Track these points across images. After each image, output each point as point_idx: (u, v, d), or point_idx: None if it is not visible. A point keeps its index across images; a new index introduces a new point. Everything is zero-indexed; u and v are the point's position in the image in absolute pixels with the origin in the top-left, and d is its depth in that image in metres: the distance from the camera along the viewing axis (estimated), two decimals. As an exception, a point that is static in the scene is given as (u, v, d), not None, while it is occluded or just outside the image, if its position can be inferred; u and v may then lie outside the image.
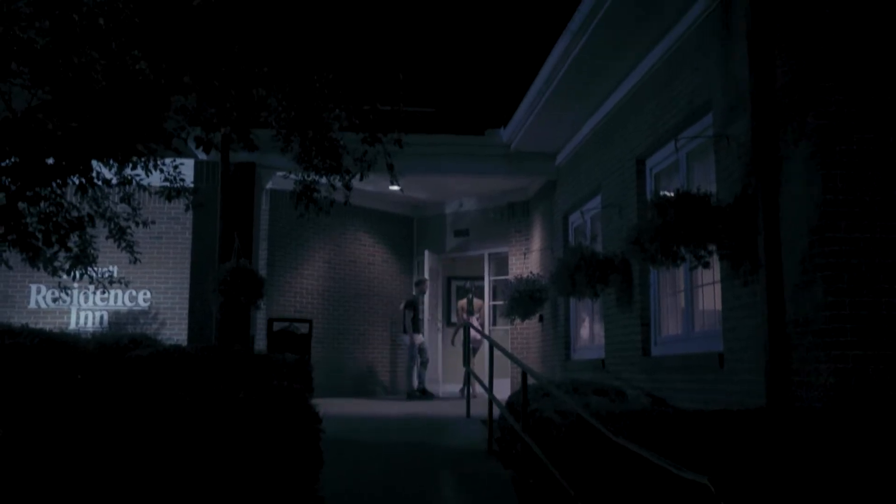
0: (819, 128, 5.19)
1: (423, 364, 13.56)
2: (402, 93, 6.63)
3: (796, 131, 5.37)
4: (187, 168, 9.99)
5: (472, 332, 12.37)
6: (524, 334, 13.03)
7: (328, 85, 6.18)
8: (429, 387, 13.67)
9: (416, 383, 13.37)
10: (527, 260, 13.00)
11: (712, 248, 6.05)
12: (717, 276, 6.51)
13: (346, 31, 6.88)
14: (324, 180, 6.86)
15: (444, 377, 14.82)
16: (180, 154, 6.83)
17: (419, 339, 13.54)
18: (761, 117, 5.64)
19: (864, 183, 5.17)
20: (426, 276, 14.37)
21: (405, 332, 13.57)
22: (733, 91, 6.16)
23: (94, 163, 5.83)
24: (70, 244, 6.46)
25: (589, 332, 10.43)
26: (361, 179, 6.67)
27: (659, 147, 7.87)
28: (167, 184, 7.52)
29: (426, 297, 14.27)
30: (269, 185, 12.46)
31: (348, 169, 6.60)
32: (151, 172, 6.81)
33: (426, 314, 14.21)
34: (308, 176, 6.78)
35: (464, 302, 14.69)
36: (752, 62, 5.72)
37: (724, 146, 6.28)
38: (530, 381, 6.19)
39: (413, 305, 13.66)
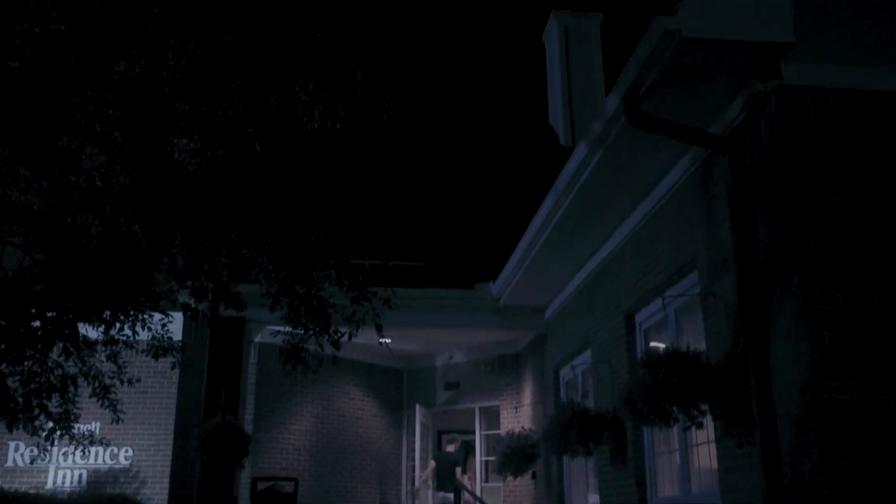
0: (804, 287, 5.24)
1: None
2: (392, 251, 6.72)
3: (782, 291, 5.42)
4: (176, 321, 9.95)
5: (465, 495, 11.99)
6: (517, 492, 12.63)
7: (318, 245, 6.27)
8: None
9: None
10: (518, 414, 12.79)
11: (705, 407, 5.97)
12: (712, 436, 6.39)
13: (337, 191, 7.06)
14: (312, 338, 6.84)
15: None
16: (168, 313, 6.81)
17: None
18: (746, 277, 5.71)
19: (853, 342, 5.17)
20: (417, 429, 14.06)
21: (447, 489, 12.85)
22: (717, 250, 6.26)
23: (81, 324, 5.81)
24: (51, 405, 6.34)
25: (584, 490, 10.11)
26: (350, 340, 6.65)
27: (647, 303, 7.92)
28: (154, 341, 7.46)
29: (417, 453, 13.90)
30: (257, 339, 12.40)
31: (337, 329, 6.60)
32: (139, 333, 6.78)
33: (416, 470, 13.80)
34: (297, 336, 6.77)
35: (452, 448, 14.04)
36: (734, 223, 5.85)
37: (711, 303, 6.32)
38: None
39: (457, 462, 13.11)
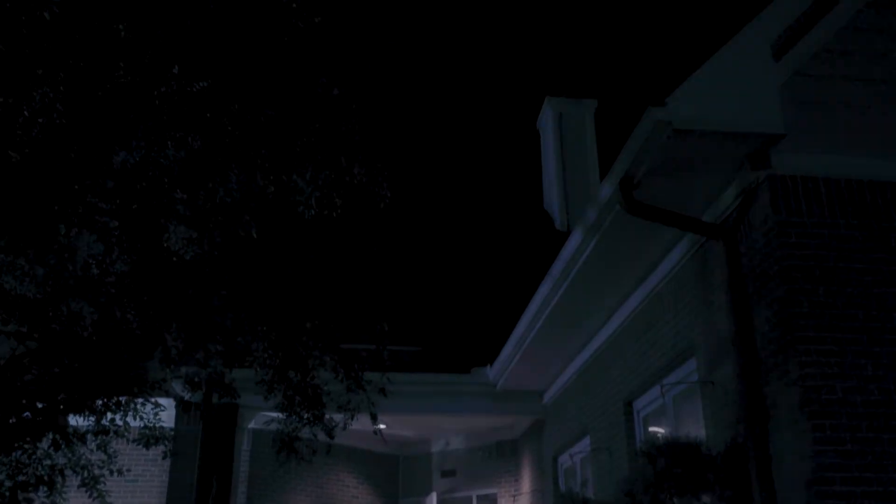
0: (802, 376, 5.20)
1: None
2: (387, 337, 6.68)
3: (780, 379, 5.37)
4: (168, 408, 9.81)
5: None
6: (515, 585, 12.25)
7: (313, 332, 6.24)
8: None
9: None
10: (517, 503, 12.50)
11: (707, 499, 5.84)
12: (715, 528, 6.23)
13: (332, 277, 7.06)
14: (307, 427, 6.75)
15: None
16: (159, 403, 6.73)
17: None
18: (745, 365, 5.67)
19: (853, 432, 5.10)
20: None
21: None
22: (715, 336, 6.23)
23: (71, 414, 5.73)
24: (38, 497, 6.18)
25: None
26: (345, 429, 6.56)
27: (645, 390, 7.84)
28: (146, 430, 7.34)
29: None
30: (251, 425, 12.20)
31: (332, 418, 6.52)
32: (130, 421, 6.68)
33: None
34: (291, 423, 6.67)
35: None
36: (732, 310, 5.84)
37: (711, 391, 6.26)
38: None
39: None
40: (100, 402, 6.04)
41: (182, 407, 5.89)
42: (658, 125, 5.35)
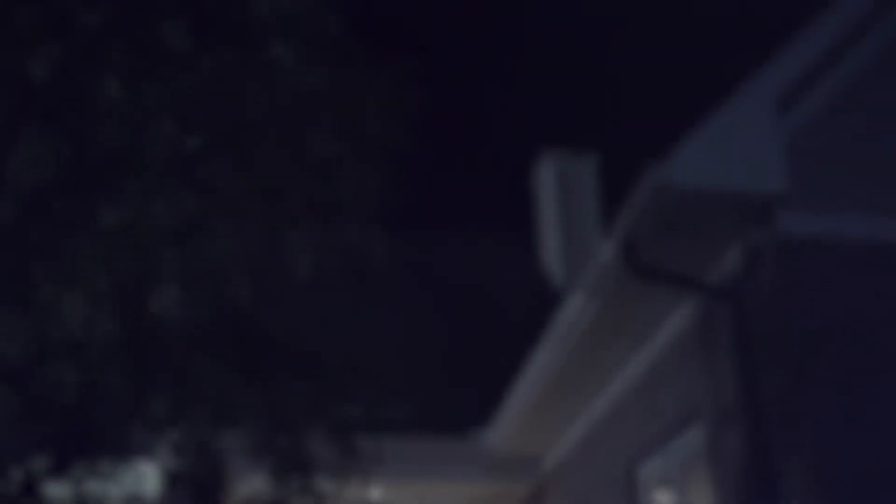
0: (813, 447, 5.01)
1: None
2: (381, 401, 6.51)
3: (790, 447, 5.18)
4: (153, 476, 9.52)
5: None
6: None
7: (303, 397, 6.07)
8: None
9: None
10: (515, 572, 12.10)
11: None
12: None
13: (324, 338, 6.91)
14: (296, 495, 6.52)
15: None
16: (142, 471, 6.49)
17: None
18: (752, 431, 5.48)
19: (870, 504, 4.90)
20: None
21: None
22: (722, 401, 6.04)
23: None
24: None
25: None
26: (337, 499, 6.33)
27: (649, 456, 7.61)
28: (129, 500, 7.06)
29: None
30: (239, 492, 11.86)
31: (321, 489, 6.30)
32: (111, 493, 6.42)
33: None
34: (279, 491, 6.45)
35: None
36: (738, 375, 5.67)
37: (717, 458, 6.05)
38: None
39: None
40: (80, 467, 5.82)
41: (168, 475, 5.68)
42: (660, 185, 5.26)
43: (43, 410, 5.61)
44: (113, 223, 4.98)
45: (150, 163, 4.99)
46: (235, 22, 5.35)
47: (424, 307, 13.82)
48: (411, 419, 11.62)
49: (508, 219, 21.29)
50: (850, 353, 5.25)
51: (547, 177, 15.53)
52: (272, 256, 5.64)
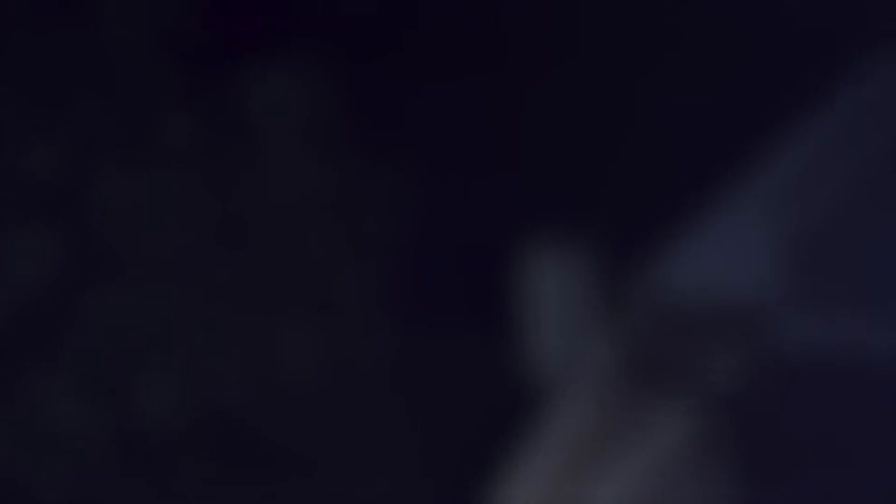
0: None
1: None
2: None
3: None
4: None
5: None
6: None
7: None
8: None
9: None
10: None
11: None
12: None
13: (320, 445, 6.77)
14: None
15: None
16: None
17: None
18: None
19: None
20: None
21: None
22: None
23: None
24: None
25: None
26: None
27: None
28: None
29: None
30: None
31: None
32: None
33: None
34: None
35: None
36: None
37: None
38: None
39: None
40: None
41: None
42: (643, 304, 5.23)
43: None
44: (100, 320, 4.96)
45: (145, 258, 5.01)
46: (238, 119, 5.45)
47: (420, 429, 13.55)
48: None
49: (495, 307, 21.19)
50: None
51: (531, 273, 15.62)
52: (267, 355, 5.62)
